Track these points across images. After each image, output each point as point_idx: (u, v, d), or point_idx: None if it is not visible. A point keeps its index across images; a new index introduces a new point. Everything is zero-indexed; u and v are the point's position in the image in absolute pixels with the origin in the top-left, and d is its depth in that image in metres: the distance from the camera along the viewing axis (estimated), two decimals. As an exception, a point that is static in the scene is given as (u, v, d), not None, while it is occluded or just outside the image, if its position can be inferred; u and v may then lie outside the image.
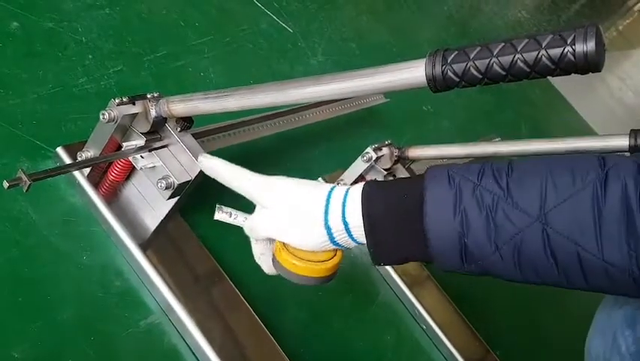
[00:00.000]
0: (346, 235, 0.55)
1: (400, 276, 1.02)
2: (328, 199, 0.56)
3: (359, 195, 0.55)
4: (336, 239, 0.56)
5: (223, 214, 0.62)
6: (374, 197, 0.54)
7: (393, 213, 0.52)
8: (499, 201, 0.47)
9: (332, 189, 0.57)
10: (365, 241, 0.55)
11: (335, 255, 0.59)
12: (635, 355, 0.51)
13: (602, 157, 0.48)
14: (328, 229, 0.55)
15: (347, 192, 0.56)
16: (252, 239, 0.63)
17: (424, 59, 0.46)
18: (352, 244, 0.57)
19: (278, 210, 0.58)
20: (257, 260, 0.64)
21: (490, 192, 0.48)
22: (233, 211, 0.62)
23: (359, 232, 0.55)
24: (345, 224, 0.55)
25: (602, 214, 0.45)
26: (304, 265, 0.58)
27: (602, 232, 0.45)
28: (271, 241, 0.62)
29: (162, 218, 0.73)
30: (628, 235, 0.44)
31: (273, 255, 0.61)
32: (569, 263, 0.46)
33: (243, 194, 0.60)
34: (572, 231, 0.45)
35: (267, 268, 0.64)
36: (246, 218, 0.62)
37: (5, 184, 0.53)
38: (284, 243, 0.59)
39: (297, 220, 0.57)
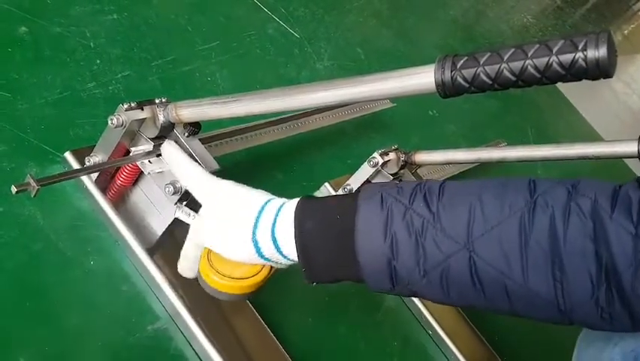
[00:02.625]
0: (275, 251, 0.54)
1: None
2: (260, 212, 0.55)
3: (291, 213, 0.54)
4: (264, 254, 0.55)
5: (183, 214, 0.62)
6: (307, 217, 0.53)
7: (326, 234, 0.52)
8: (429, 226, 0.47)
9: (266, 202, 0.56)
10: (294, 259, 0.55)
11: (261, 270, 0.58)
12: None
13: (534, 182, 0.47)
14: (255, 242, 0.54)
15: (281, 206, 0.55)
16: (187, 237, 0.62)
17: (433, 65, 0.46)
18: (282, 260, 0.56)
19: (213, 216, 0.57)
20: (180, 256, 0.63)
21: (420, 216, 0.48)
22: (192, 213, 0.61)
23: (289, 250, 0.54)
24: (274, 240, 0.54)
25: (529, 245, 0.45)
26: (220, 280, 0.57)
27: (528, 262, 0.45)
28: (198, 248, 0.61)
29: (169, 223, 0.73)
30: (554, 266, 0.44)
31: (198, 270, 0.60)
32: (496, 291, 0.46)
33: (189, 191, 0.61)
34: (498, 259, 0.45)
35: (182, 268, 0.64)
36: (188, 215, 0.62)
37: (13, 189, 0.53)
38: (209, 252, 0.59)
39: (227, 230, 0.56)
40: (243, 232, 0.55)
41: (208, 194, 0.59)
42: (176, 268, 0.73)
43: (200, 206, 0.60)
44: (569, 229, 0.44)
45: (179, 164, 0.63)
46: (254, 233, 0.54)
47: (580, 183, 0.46)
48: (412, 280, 0.49)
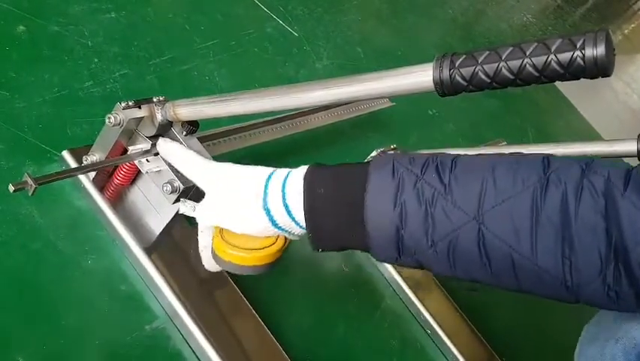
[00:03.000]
0: (288, 217, 0.54)
1: (405, 281, 1.01)
2: (268, 180, 0.55)
3: (301, 177, 0.53)
4: (277, 222, 0.55)
5: (187, 208, 0.61)
6: (316, 181, 0.53)
7: (335, 199, 0.52)
8: (439, 197, 0.47)
9: (273, 171, 0.56)
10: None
11: (276, 241, 0.58)
12: None
13: (548, 159, 0.47)
14: (267, 211, 0.54)
15: (288, 173, 0.55)
16: (198, 230, 0.63)
17: (432, 63, 0.46)
18: (296, 229, 0.55)
19: (219, 194, 0.58)
20: (200, 252, 0.64)
21: (431, 187, 0.48)
22: (196, 205, 0.61)
23: (301, 216, 0.53)
24: (286, 206, 0.54)
25: (540, 220, 0.44)
26: (237, 252, 0.56)
27: (538, 237, 0.44)
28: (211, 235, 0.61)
29: (167, 222, 0.73)
30: (563, 242, 0.44)
31: (212, 250, 0.59)
32: (502, 265, 0.46)
33: (192, 179, 0.62)
34: (507, 233, 0.45)
35: (207, 261, 0.64)
36: (191, 208, 0.61)
37: (11, 188, 0.53)
38: (221, 231, 0.58)
39: (236, 204, 0.56)
40: (253, 201, 0.55)
41: (211, 176, 0.59)
42: (174, 267, 0.74)
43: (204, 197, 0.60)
44: (581, 206, 0.44)
45: (176, 153, 0.64)
46: (265, 201, 0.54)
47: (593, 162, 0.46)
48: (419, 249, 0.49)
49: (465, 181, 0.47)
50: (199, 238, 0.63)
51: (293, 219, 0.54)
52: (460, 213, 0.46)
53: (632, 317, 0.51)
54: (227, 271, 0.78)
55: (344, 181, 0.52)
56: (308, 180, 0.53)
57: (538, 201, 0.45)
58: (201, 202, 0.60)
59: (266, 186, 0.55)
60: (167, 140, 0.66)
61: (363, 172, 0.51)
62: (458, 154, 0.51)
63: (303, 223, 0.54)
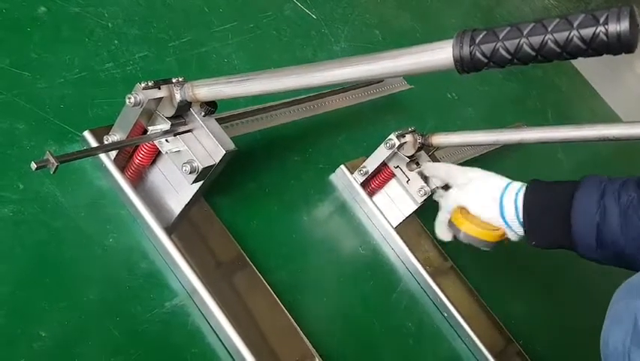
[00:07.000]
0: (515, 215, 0.73)
1: (422, 265, 1.01)
2: (507, 187, 0.75)
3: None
4: (506, 217, 0.74)
5: (437, 196, 0.90)
6: (536, 190, 0.72)
7: (548, 203, 0.69)
8: (632, 201, 0.63)
9: (510, 182, 0.76)
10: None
11: (499, 230, 0.75)
12: None
13: None
14: (501, 206, 0.74)
15: (521, 186, 0.74)
16: (440, 209, 0.85)
17: (452, 40, 0.45)
18: (517, 228, 0.73)
19: (470, 186, 0.79)
20: (436, 224, 0.86)
21: (628, 196, 0.63)
22: (444, 193, 0.85)
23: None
24: (516, 208, 0.73)
25: None
26: (475, 226, 0.77)
27: None
28: (450, 213, 0.82)
29: (187, 202, 0.74)
30: None
31: (450, 221, 0.81)
32: None
33: (446, 179, 0.86)
34: None
35: (439, 232, 0.86)
36: (442, 196, 0.85)
37: (33, 165, 0.54)
38: (462, 210, 0.79)
39: (483, 193, 0.76)
40: (494, 197, 0.75)
41: (463, 174, 0.81)
42: (194, 246, 0.75)
43: None
44: None
45: (440, 168, 0.90)
46: (502, 196, 0.74)
47: None
48: (615, 240, 0.64)
49: None
50: (439, 214, 0.85)
51: (518, 219, 0.72)
52: None
53: None
54: (244, 250, 0.79)
55: (557, 190, 0.70)
56: (530, 187, 0.72)
57: None
58: (449, 191, 0.82)
59: (505, 187, 0.75)
60: (431, 162, 0.95)
61: (573, 184, 0.68)
62: None
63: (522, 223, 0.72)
